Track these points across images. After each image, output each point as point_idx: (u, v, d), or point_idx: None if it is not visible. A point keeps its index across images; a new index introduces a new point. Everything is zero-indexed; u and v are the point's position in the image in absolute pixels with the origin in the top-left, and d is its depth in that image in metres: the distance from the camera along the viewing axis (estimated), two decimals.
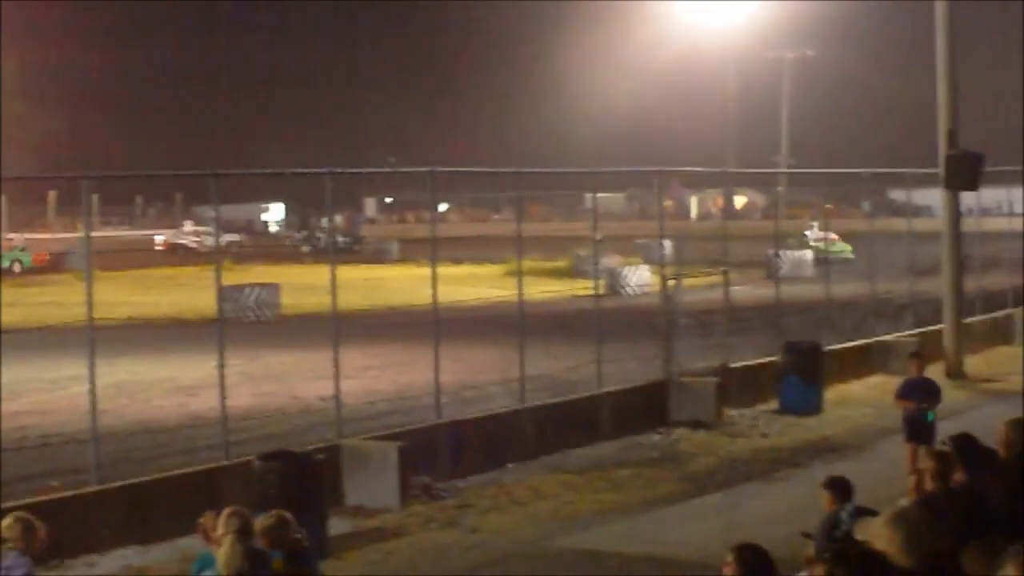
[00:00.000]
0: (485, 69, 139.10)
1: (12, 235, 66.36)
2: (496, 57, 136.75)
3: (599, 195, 29.52)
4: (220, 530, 8.23)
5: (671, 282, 23.65)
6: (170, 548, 14.35)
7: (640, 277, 43.46)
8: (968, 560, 6.28)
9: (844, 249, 45.21)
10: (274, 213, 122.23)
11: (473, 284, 35.69)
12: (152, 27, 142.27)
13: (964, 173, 26.35)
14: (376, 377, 24.54)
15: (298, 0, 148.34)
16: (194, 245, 74.43)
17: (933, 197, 30.53)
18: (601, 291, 24.01)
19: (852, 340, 27.08)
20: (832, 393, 23.89)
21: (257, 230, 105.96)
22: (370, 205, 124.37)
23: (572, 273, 44.29)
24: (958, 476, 8.66)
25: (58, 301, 33.22)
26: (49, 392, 23.17)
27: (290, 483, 14.09)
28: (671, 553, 14.36)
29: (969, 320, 29.03)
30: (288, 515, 8.49)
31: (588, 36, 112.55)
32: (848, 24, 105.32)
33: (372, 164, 78.81)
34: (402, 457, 16.60)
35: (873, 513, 7.75)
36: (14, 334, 20.43)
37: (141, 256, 62.90)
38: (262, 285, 39.16)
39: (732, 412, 22.16)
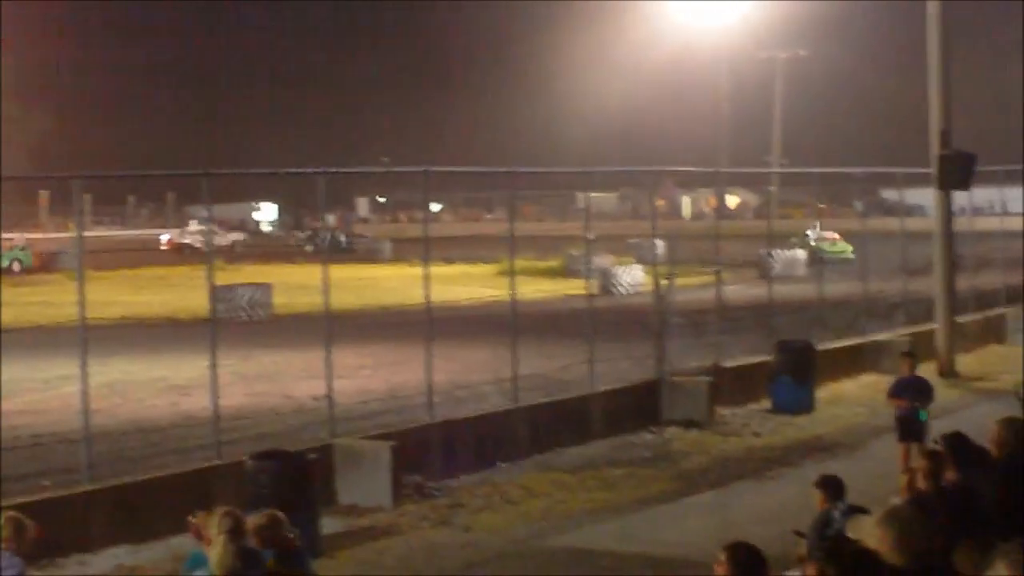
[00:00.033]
0: (478, 69, 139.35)
1: (12, 235, 66.19)
2: (489, 57, 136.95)
3: (592, 195, 29.54)
4: (213, 530, 8.23)
5: (664, 282, 23.63)
6: (162, 547, 14.34)
7: (633, 277, 43.41)
8: (960, 559, 6.29)
9: (845, 249, 45.27)
10: (265, 213, 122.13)
11: (466, 284, 35.72)
12: (143, 27, 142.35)
13: (957, 173, 26.43)
14: (369, 377, 24.50)
15: (292, 0, 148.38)
16: (199, 244, 74.28)
17: (925, 197, 30.56)
18: (594, 291, 24.03)
19: (844, 339, 27.11)
20: (824, 392, 23.90)
21: (250, 229, 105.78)
22: (362, 204, 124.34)
23: (565, 273, 44.23)
24: (950, 475, 8.69)
25: (50, 301, 33.12)
26: (41, 392, 23.11)
27: (282, 482, 14.09)
28: (663, 552, 14.37)
29: (961, 319, 29.06)
30: (280, 514, 8.49)
31: (581, 36, 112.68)
32: (841, 24, 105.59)
33: (365, 164, 78.58)
34: (394, 456, 16.61)
35: (865, 512, 7.76)
36: (6, 333, 20.37)
37: (136, 256, 62.77)
38: (255, 285, 39.11)
39: (724, 411, 22.17)
